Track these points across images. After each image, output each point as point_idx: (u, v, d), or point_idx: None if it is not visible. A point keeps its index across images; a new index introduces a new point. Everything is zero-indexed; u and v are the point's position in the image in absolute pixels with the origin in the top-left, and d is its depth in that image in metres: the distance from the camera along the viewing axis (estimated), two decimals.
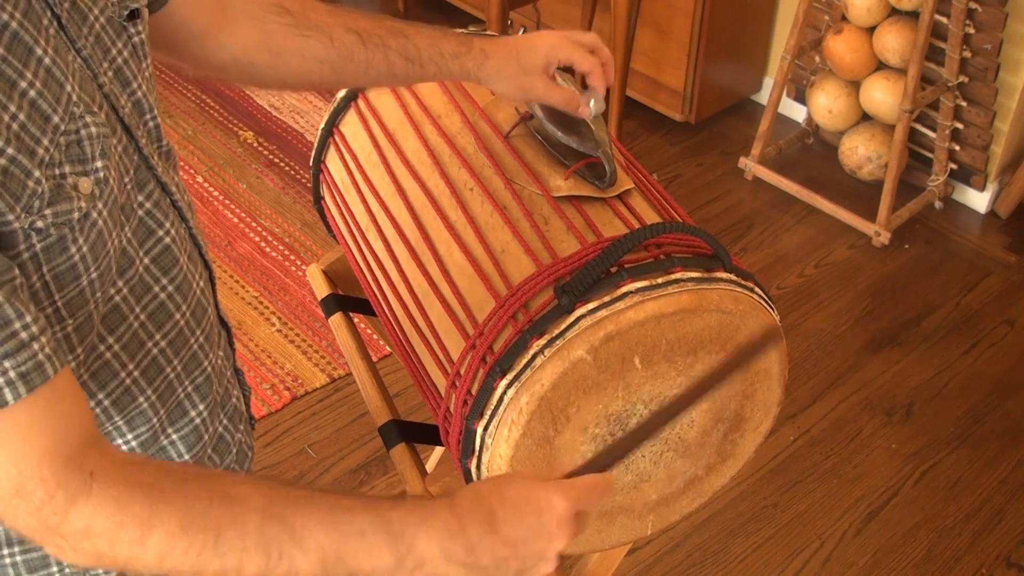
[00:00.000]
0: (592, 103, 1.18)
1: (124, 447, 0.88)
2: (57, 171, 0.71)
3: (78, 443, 0.72)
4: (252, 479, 0.78)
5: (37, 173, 0.69)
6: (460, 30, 1.17)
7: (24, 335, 0.68)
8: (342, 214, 1.38)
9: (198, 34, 1.01)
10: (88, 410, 0.75)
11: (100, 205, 0.75)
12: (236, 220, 2.80)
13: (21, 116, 0.68)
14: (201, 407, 0.94)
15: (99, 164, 0.75)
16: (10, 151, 0.67)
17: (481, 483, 0.82)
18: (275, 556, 0.73)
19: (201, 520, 0.72)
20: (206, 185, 2.91)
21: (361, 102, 1.38)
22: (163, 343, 0.88)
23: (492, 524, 0.77)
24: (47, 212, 0.71)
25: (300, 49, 1.06)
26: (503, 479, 0.82)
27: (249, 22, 1.04)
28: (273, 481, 0.77)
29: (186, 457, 0.94)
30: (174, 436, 0.93)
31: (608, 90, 1.18)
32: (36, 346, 0.69)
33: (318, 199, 1.47)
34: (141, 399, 0.87)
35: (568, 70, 1.20)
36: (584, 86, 1.20)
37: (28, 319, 0.69)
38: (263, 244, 2.72)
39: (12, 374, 0.68)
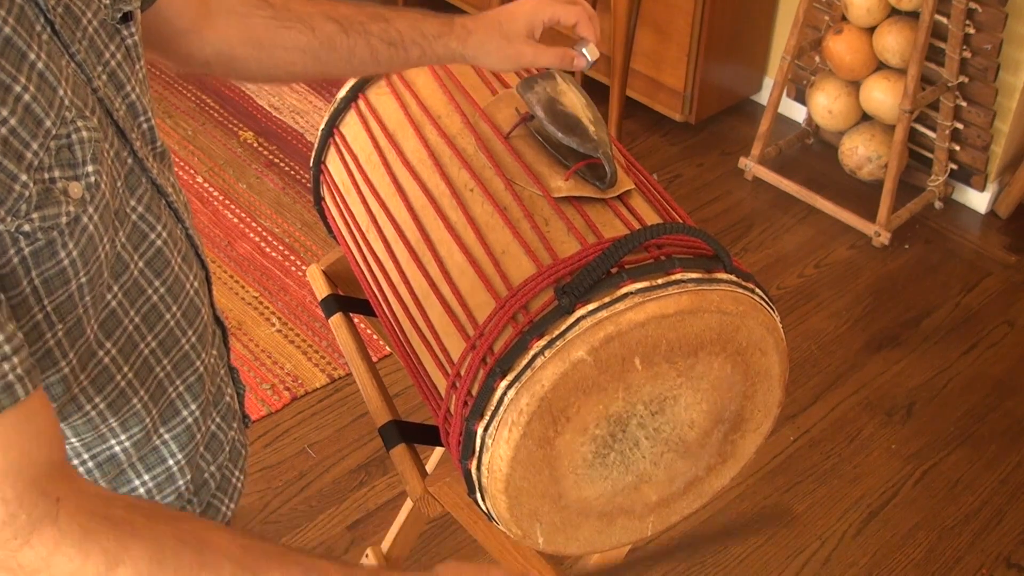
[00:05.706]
0: (586, 51, 1.15)
1: (118, 448, 0.88)
2: (46, 175, 0.71)
3: (44, 467, 0.70)
4: (225, 528, 0.77)
5: (24, 177, 0.69)
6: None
7: None
8: (342, 214, 1.38)
9: (183, 31, 1.02)
10: (59, 436, 0.73)
11: (91, 210, 0.75)
12: (236, 220, 2.79)
13: (12, 121, 0.68)
14: (193, 406, 0.94)
15: (90, 169, 0.74)
16: None
17: (463, 569, 0.81)
18: None
19: (172, 561, 0.70)
20: (206, 185, 2.90)
21: (361, 102, 1.38)
22: (154, 344, 0.88)
23: None
24: (34, 216, 0.70)
25: (282, 41, 1.07)
26: (485, 572, 0.82)
27: (231, 17, 1.05)
28: (248, 533, 0.76)
29: (179, 456, 0.94)
30: (166, 436, 0.92)
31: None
32: (6, 366, 0.68)
33: (318, 199, 1.47)
34: (135, 400, 0.87)
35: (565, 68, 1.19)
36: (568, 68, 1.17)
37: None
38: (263, 244, 2.72)
39: None
